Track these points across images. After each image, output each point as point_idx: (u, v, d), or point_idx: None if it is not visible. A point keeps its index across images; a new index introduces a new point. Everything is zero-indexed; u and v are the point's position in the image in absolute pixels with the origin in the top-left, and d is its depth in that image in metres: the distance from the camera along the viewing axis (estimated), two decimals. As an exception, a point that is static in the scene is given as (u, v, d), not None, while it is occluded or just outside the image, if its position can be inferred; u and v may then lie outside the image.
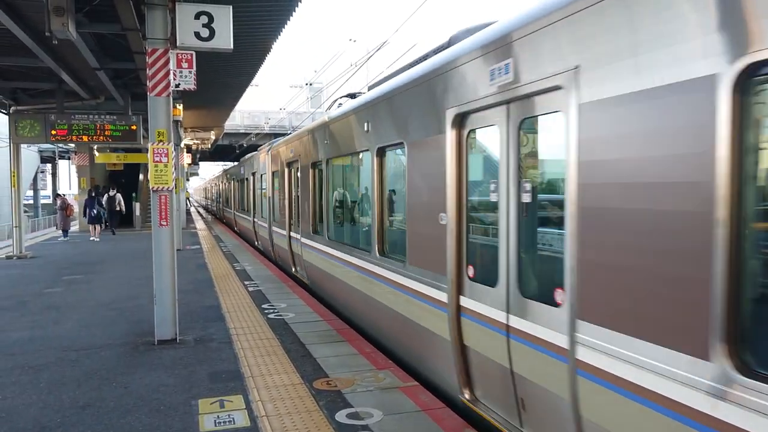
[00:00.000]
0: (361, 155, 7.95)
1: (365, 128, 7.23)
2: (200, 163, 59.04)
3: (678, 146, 2.68)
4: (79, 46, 10.59)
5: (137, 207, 27.21)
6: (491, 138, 4.53)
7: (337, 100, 10.20)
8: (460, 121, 4.85)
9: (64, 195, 24.76)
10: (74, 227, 27.12)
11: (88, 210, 22.46)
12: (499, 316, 4.30)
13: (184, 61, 7.44)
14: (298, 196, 11.58)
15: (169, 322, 7.18)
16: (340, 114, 8.53)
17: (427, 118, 5.42)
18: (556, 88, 3.54)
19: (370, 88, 7.85)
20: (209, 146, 38.52)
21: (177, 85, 7.46)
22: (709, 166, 2.50)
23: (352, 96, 8.87)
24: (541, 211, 4.19)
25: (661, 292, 2.79)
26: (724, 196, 2.46)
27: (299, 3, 10.47)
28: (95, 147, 24.69)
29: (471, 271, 4.81)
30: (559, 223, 3.67)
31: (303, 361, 6.27)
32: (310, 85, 33.81)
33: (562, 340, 3.54)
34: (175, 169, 7.35)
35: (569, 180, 3.39)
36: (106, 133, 15.35)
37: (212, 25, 7.08)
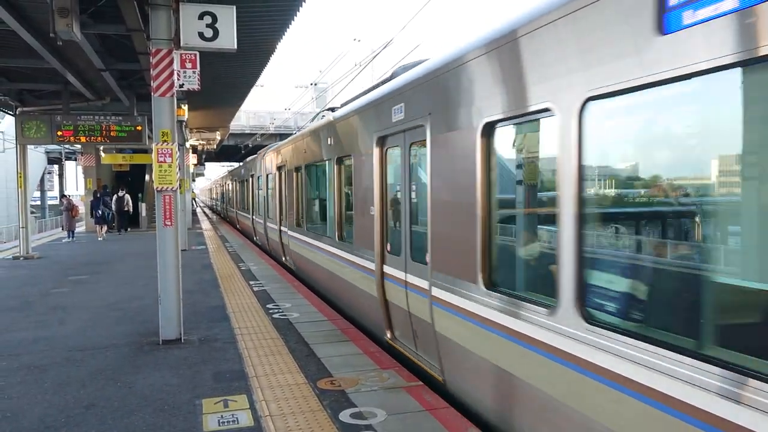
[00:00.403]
0: (326, 163, 9.75)
1: (329, 142, 9.32)
2: (206, 163, 59.22)
3: (461, 169, 4.86)
4: (84, 47, 10.62)
5: (143, 207, 27.29)
6: (396, 155, 6.64)
7: (320, 112, 12.72)
8: (381, 141, 6.89)
9: (69, 196, 24.85)
10: (80, 228, 27.23)
11: (94, 210, 22.99)
12: (401, 275, 6.37)
13: (188, 61, 7.44)
14: (285, 196, 13.50)
15: (174, 322, 7.19)
16: (312, 129, 10.77)
17: (365, 137, 7.44)
18: (422, 125, 5.64)
19: (344, 104, 9.40)
20: (215, 147, 38.62)
21: (181, 86, 7.47)
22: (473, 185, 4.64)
23: (332, 110, 10.06)
24: (419, 206, 6.11)
25: (460, 252, 4.90)
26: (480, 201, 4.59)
27: (303, 3, 10.47)
28: (101, 148, 24.76)
29: (389, 247, 6.86)
30: (425, 213, 5.69)
31: (307, 360, 6.26)
32: (315, 85, 33.85)
33: (425, 284, 5.68)
34: (179, 169, 7.35)
35: (428, 186, 5.56)
36: (112, 134, 15.40)
37: (216, 25, 7.08)
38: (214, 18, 7.06)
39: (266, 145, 23.11)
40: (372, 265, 7.08)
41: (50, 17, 7.59)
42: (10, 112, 17.46)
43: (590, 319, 3.40)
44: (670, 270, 3.66)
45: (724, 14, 2.52)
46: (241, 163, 26.49)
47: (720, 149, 3.03)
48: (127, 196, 25.32)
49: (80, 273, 13.25)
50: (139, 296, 10.16)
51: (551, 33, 3.67)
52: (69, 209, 22.76)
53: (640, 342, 3.02)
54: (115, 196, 25.03)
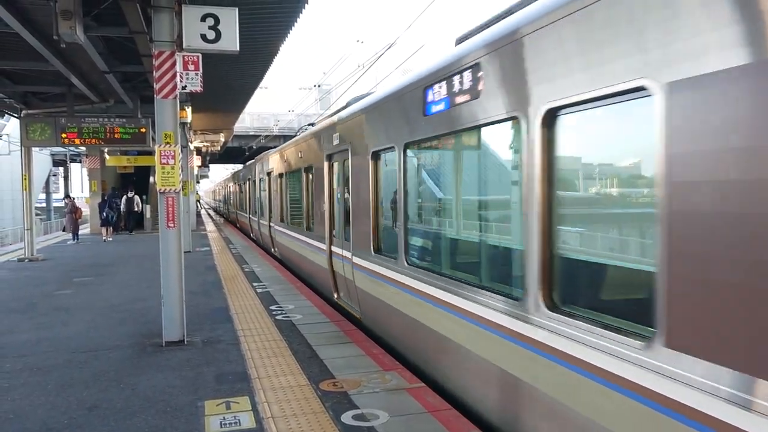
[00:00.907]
0: (298, 171, 12.49)
1: (299, 155, 12.23)
2: (210, 165, 59.32)
3: (364, 179, 7.46)
4: (88, 49, 10.66)
5: (148, 209, 27.37)
6: (337, 168, 9.27)
7: (303, 126, 15.89)
8: (330, 157, 9.51)
9: (73, 198, 24.91)
10: (85, 230, 27.31)
11: (101, 212, 23.50)
12: (342, 252, 8.83)
13: (190, 63, 7.48)
14: (272, 196, 16.56)
15: (177, 323, 7.20)
16: (290, 143, 13.90)
17: (320, 154, 10.04)
18: (347, 150, 8.23)
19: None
20: (219, 148, 38.68)
21: (184, 87, 7.51)
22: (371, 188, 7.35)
23: (311, 124, 12.61)
24: (347, 203, 8.56)
25: (365, 233, 7.34)
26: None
27: (306, 5, 10.47)
28: (106, 150, 24.86)
29: (334, 233, 9.54)
30: (350, 208, 8.30)
31: (310, 362, 6.26)
32: (319, 86, 33.88)
33: (348, 255, 8.32)
34: (182, 171, 7.36)
35: (350, 190, 8.16)
36: (116, 136, 15.41)
37: (218, 27, 7.09)
38: (217, 20, 7.07)
39: (270, 147, 23.81)
40: (323, 246, 9.89)
41: (53, 20, 7.61)
42: (15, 115, 17.52)
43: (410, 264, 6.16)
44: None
45: (440, 111, 5.17)
46: (241, 168, 29.78)
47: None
48: (137, 197, 26.42)
49: (84, 275, 13.29)
50: (142, 298, 10.18)
51: (394, 103, 6.50)
52: (72, 211, 22.82)
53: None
54: (124, 197, 25.99)
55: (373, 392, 5.27)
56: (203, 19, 7.05)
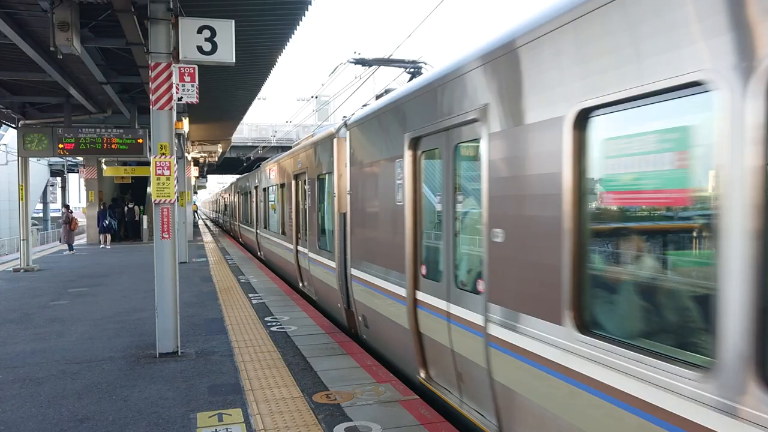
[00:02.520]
0: (274, 187, 15.56)
1: (273, 174, 15.46)
2: (208, 176, 59.31)
3: (306, 196, 11.35)
4: (86, 60, 10.70)
5: (144, 220, 27.35)
6: (300, 185, 11.90)
7: (284, 149, 20.89)
8: (295, 177, 12.14)
9: (70, 209, 24.90)
10: (81, 240, 27.26)
11: (100, 221, 24.68)
12: (304, 250, 11.13)
13: (186, 74, 7.51)
14: (257, 207, 19.51)
15: (171, 335, 7.17)
16: (269, 161, 17.33)
17: (285, 175, 13.39)
18: (305, 172, 11.05)
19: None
20: (216, 159, 38.70)
21: (180, 99, 7.52)
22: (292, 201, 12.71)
23: (287, 148, 15.79)
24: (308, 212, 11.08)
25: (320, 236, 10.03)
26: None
27: (303, 17, 10.54)
28: (103, 160, 24.89)
29: (300, 234, 11.76)
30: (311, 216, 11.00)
31: (303, 374, 6.24)
32: (317, 98, 33.98)
33: (305, 251, 11.01)
34: (178, 181, 7.37)
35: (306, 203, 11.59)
36: (113, 146, 15.44)
37: (215, 39, 7.13)
38: (213, 32, 7.10)
39: (267, 158, 24.11)
40: (292, 247, 12.44)
41: (50, 31, 7.65)
42: (12, 125, 17.53)
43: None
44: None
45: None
46: (234, 181, 32.96)
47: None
48: (137, 207, 28.38)
49: (80, 285, 13.25)
50: (137, 309, 10.15)
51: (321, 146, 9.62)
52: (67, 222, 22.78)
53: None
54: (126, 208, 28.15)
55: (366, 404, 5.26)
56: (199, 31, 7.09)
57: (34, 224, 30.28)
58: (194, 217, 39.09)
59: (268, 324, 8.76)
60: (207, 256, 19.99)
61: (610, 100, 2.99)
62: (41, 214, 53.94)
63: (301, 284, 11.93)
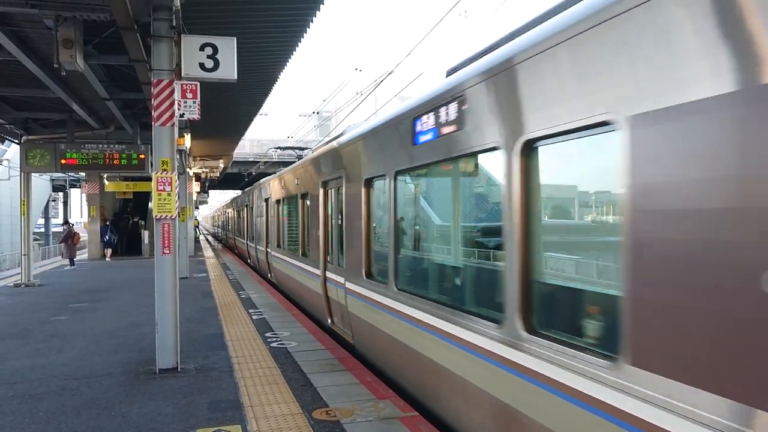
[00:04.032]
0: (257, 204, 19.48)
1: (254, 196, 20.47)
2: (209, 191, 59.40)
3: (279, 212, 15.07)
4: (89, 76, 10.79)
5: (146, 235, 27.39)
6: (271, 205, 16.17)
7: (286, 164, 23.65)
8: (266, 201, 17.00)
9: (71, 224, 24.95)
10: (82, 255, 27.26)
11: (102, 235, 25.71)
12: (270, 249, 16.34)
13: (188, 91, 7.55)
14: (247, 222, 22.85)
15: (171, 350, 7.16)
16: (254, 186, 21.51)
17: (262, 197, 18.14)
18: (270, 197, 16.56)
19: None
20: (218, 174, 38.79)
21: (182, 115, 7.56)
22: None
23: (290, 163, 17.75)
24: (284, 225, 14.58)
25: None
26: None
27: (304, 34, 10.64)
28: (105, 176, 24.98)
29: (270, 240, 16.36)
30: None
31: (303, 390, 6.22)
32: (318, 113, 34.15)
33: (272, 249, 15.97)
34: (179, 197, 7.39)
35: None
36: (115, 162, 15.50)
37: (217, 56, 7.20)
38: (215, 49, 7.18)
39: (269, 173, 24.47)
40: (264, 247, 16.48)
41: (54, 48, 7.73)
42: (16, 141, 17.63)
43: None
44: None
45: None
46: (239, 195, 33.16)
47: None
48: (141, 222, 29.47)
49: (80, 301, 13.25)
50: (137, 324, 10.13)
51: (303, 169, 11.57)
52: (69, 237, 22.81)
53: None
54: (130, 222, 29.43)
55: (366, 421, 5.23)
56: (202, 48, 7.16)
57: (35, 239, 30.35)
58: (195, 233, 39.15)
59: (269, 340, 8.74)
60: (208, 272, 19.98)
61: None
62: (43, 229, 54.02)
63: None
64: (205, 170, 33.03)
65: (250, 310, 11.47)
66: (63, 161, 15.25)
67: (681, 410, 2.58)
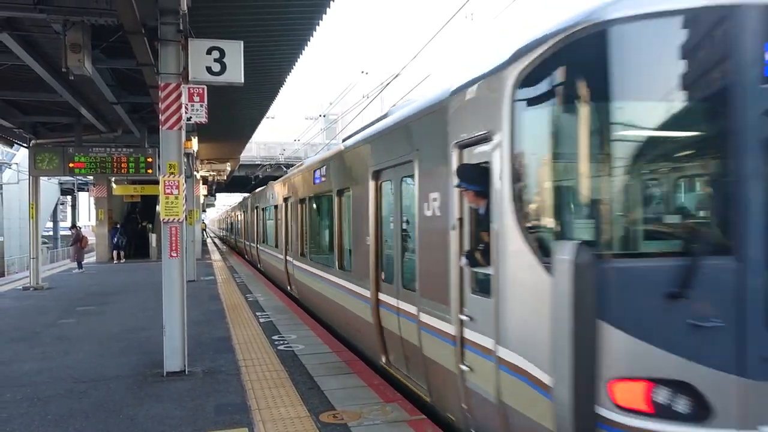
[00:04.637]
0: (255, 210, 22.72)
1: (251, 202, 25.17)
2: (216, 194, 59.57)
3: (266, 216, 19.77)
4: (97, 81, 10.84)
5: (153, 238, 27.48)
6: (264, 211, 20.33)
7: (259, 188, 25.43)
8: (255, 208, 22.99)
9: (79, 227, 25.07)
10: (90, 258, 27.38)
11: (112, 239, 26.50)
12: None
13: (195, 95, 7.59)
14: (248, 225, 25.64)
15: (179, 353, 7.17)
16: (244, 198, 31.69)
17: (254, 205, 23.32)
18: (258, 205, 22.22)
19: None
20: (225, 178, 38.91)
21: (189, 119, 7.59)
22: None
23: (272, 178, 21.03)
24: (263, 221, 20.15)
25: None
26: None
27: (310, 38, 10.66)
28: (113, 179, 25.09)
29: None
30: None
31: (310, 393, 6.21)
32: (324, 116, 34.24)
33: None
34: (186, 200, 7.41)
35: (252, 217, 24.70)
36: (123, 165, 15.57)
37: (224, 59, 7.22)
38: (222, 53, 7.20)
39: (275, 176, 24.60)
40: (254, 247, 22.29)
41: (63, 53, 7.77)
42: (24, 145, 17.74)
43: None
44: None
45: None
46: (243, 199, 34.12)
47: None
48: (150, 226, 29.88)
49: (88, 303, 13.30)
50: (145, 327, 10.16)
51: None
52: (77, 240, 22.92)
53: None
54: (139, 226, 30.25)
55: (373, 424, 5.22)
56: (209, 52, 7.18)
57: (44, 242, 30.54)
58: (203, 236, 39.31)
59: (276, 343, 8.74)
60: (215, 275, 20.03)
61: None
62: (51, 233, 54.24)
63: (259, 265, 14.41)
64: (212, 173, 33.14)
65: (257, 313, 11.49)
66: (71, 165, 15.33)
67: (411, 301, 5.85)
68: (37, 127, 17.10)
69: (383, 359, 6.93)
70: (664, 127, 3.47)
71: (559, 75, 3.55)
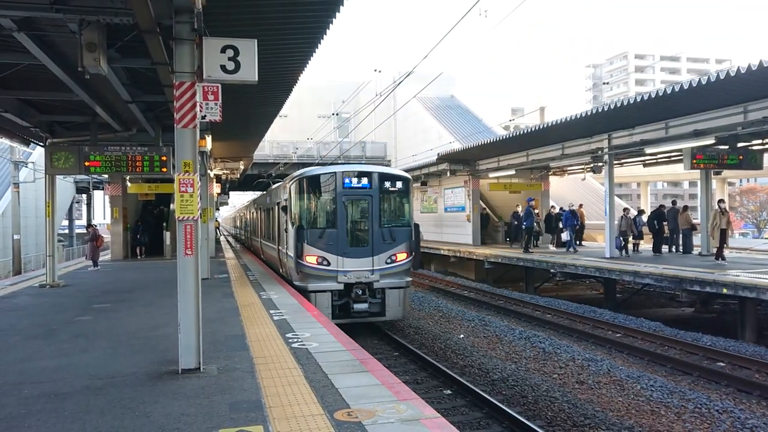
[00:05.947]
0: (256, 211, 29.17)
1: (255, 204, 30.46)
2: (230, 192, 59.83)
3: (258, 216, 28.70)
4: (112, 80, 10.92)
5: (167, 236, 27.67)
6: (264, 211, 26.10)
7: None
8: (257, 207, 27.93)
9: (95, 226, 25.28)
10: (105, 256, 27.63)
11: (134, 235, 27.93)
12: (260, 241, 25.79)
13: (210, 93, 7.61)
14: (252, 222, 30.08)
15: (193, 351, 7.21)
16: (248, 201, 40.85)
17: (258, 206, 27.86)
18: (255, 208, 31.18)
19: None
20: (238, 176, 39.10)
21: (203, 117, 7.62)
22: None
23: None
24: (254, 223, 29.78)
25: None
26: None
27: (324, 36, 10.65)
28: (127, 177, 25.28)
29: (261, 235, 25.36)
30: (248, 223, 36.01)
31: (325, 391, 6.22)
32: (337, 115, 34.30)
33: (259, 242, 26.28)
34: (201, 198, 7.44)
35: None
36: (137, 164, 15.65)
37: (237, 58, 7.22)
38: (236, 51, 7.21)
39: (287, 174, 24.78)
40: (257, 239, 27.33)
41: (78, 52, 7.82)
42: (41, 144, 17.91)
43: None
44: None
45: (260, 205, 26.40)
46: (249, 201, 39.12)
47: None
48: (163, 223, 30.01)
49: (104, 301, 13.41)
50: (160, 325, 10.22)
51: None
52: (93, 239, 23.12)
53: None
54: (155, 223, 30.72)
55: (388, 422, 5.22)
56: (223, 50, 7.19)
57: (60, 240, 30.82)
58: (216, 234, 39.61)
59: (290, 340, 8.76)
60: (229, 272, 20.11)
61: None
62: (67, 231, 54.79)
63: (281, 270, 20.27)
64: (225, 172, 33.29)
65: (271, 311, 11.52)
66: (87, 163, 15.40)
67: (274, 244, 18.59)
68: (53, 126, 17.25)
69: (280, 269, 16.43)
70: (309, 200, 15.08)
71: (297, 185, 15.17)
